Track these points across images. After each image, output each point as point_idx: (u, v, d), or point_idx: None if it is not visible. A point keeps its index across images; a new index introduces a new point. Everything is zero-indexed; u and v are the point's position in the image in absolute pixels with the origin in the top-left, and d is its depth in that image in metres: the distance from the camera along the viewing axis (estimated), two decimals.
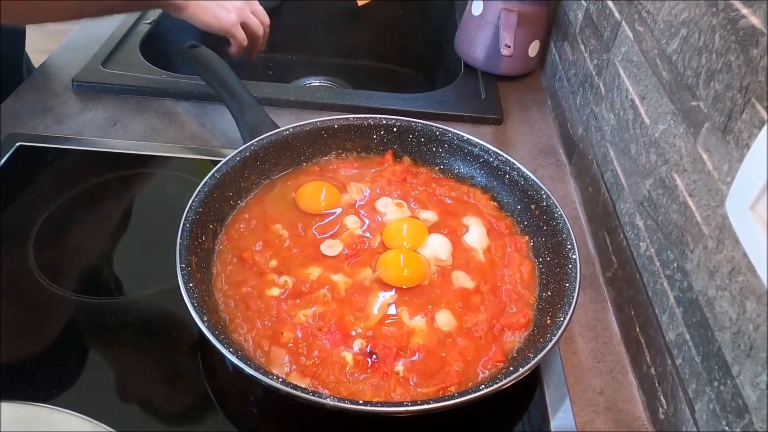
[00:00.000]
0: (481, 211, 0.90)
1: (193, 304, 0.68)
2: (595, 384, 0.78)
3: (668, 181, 0.72)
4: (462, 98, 1.19)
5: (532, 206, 0.87)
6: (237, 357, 0.64)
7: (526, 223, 0.88)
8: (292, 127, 0.94)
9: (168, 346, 0.78)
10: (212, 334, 0.66)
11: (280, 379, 0.63)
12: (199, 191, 0.82)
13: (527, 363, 0.67)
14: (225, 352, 0.64)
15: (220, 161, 0.86)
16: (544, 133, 1.16)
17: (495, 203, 0.92)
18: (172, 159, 1.04)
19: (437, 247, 0.83)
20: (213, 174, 0.84)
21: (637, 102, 0.82)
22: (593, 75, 0.99)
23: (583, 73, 1.04)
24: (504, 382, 0.65)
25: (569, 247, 0.79)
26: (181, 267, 0.72)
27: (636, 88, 0.82)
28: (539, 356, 0.67)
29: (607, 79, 0.93)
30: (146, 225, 0.95)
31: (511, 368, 0.67)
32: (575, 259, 0.77)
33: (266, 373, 0.64)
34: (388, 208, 0.89)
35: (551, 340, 0.69)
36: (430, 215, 0.89)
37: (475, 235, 0.86)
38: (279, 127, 0.94)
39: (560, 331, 0.70)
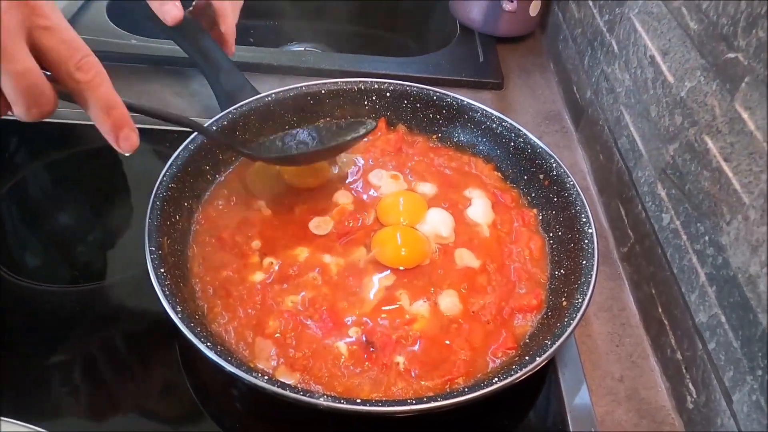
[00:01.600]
0: (485, 183, 0.82)
1: (164, 291, 0.60)
2: (614, 370, 0.71)
3: (698, 145, 0.64)
4: (459, 62, 1.10)
5: (541, 176, 0.79)
6: (215, 352, 0.56)
7: (533, 194, 0.80)
8: (274, 93, 0.85)
9: (141, 338, 0.70)
10: (187, 326, 0.58)
11: (266, 378, 0.55)
12: (171, 164, 0.73)
13: (544, 351, 0.59)
14: (202, 347, 0.56)
15: None
16: (548, 98, 1.08)
17: (499, 174, 0.84)
18: (142, 131, 0.92)
19: (438, 222, 0.75)
20: (186, 145, 0.76)
21: (658, 58, 0.73)
22: (604, 32, 0.91)
23: (592, 31, 0.95)
24: (520, 374, 0.58)
25: (584, 220, 0.71)
26: (150, 250, 0.63)
27: (657, 42, 0.74)
28: (557, 343, 0.60)
29: (620, 35, 0.85)
30: (114, 203, 0.86)
31: (527, 357, 0.60)
32: (591, 233, 0.70)
33: (249, 370, 0.56)
34: (383, 180, 0.81)
35: (569, 324, 0.62)
36: (428, 188, 0.81)
37: (479, 208, 0.78)
38: (259, 93, 0.85)
39: (579, 315, 0.62)
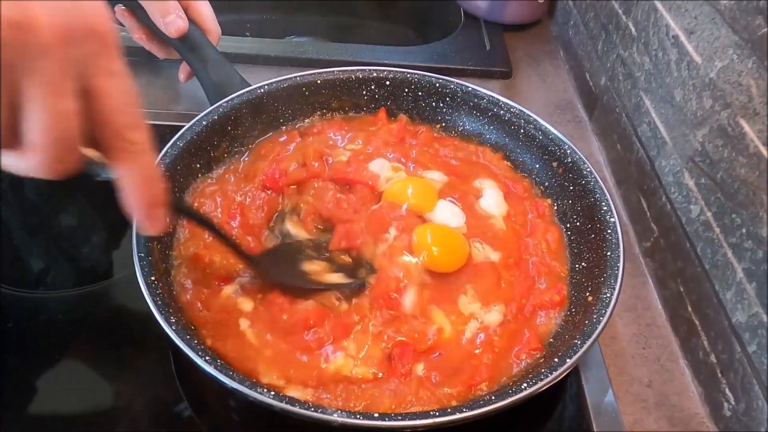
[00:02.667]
0: (494, 173, 0.77)
1: (156, 302, 0.55)
2: (641, 374, 0.66)
3: (731, 129, 0.60)
4: (464, 50, 1.05)
5: (554, 164, 0.75)
6: (216, 368, 0.51)
7: (546, 183, 0.76)
8: (267, 84, 0.79)
9: (131, 345, 0.65)
10: (183, 340, 0.52)
11: (272, 393, 0.50)
12: (158, 163, 0.67)
13: (574, 351, 0.55)
14: (200, 361, 0.51)
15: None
16: (558, 87, 1.03)
17: (509, 163, 0.79)
18: None
19: (449, 215, 0.70)
20: (174, 142, 0.70)
21: (683, 38, 0.69)
22: (620, 15, 0.86)
23: (606, 15, 0.90)
24: (551, 378, 0.53)
25: (605, 209, 0.67)
26: (139, 257, 0.58)
27: (680, 21, 0.69)
28: (588, 342, 0.56)
29: (638, 17, 0.80)
30: (100, 205, 0.80)
31: (555, 359, 0.55)
32: (614, 222, 0.66)
33: (254, 386, 0.51)
34: (384, 171, 0.74)
35: (599, 321, 0.58)
36: (437, 177, 0.75)
37: (492, 199, 0.73)
38: (250, 85, 0.79)
39: (609, 311, 0.59)
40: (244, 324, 0.59)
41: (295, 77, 0.81)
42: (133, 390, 0.62)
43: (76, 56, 0.36)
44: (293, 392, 0.54)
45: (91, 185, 0.78)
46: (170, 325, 0.53)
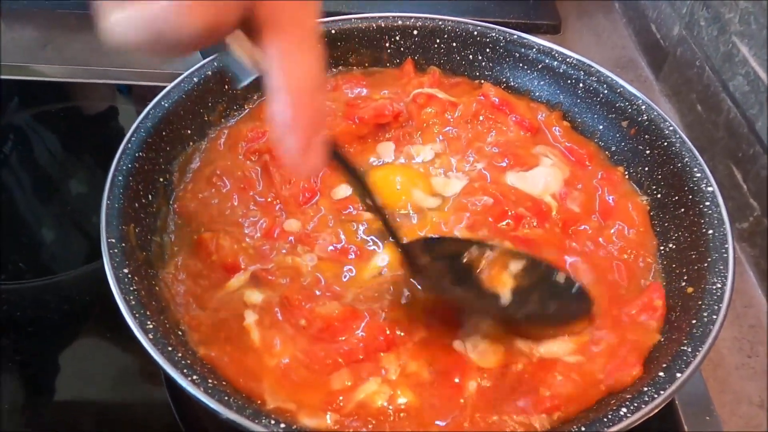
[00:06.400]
0: (548, 139, 0.64)
1: (127, 300, 0.43)
2: (750, 391, 0.54)
3: None
4: (504, 1, 0.94)
5: (624, 123, 0.63)
6: (204, 390, 0.38)
7: (614, 148, 0.64)
8: None
9: (115, 348, 0.57)
10: (162, 352, 0.40)
11: (283, 426, 0.38)
12: (138, 127, 0.56)
13: (686, 362, 0.43)
14: (185, 383, 0.39)
15: None
16: (616, 43, 0.92)
17: (567, 122, 0.67)
18: (120, 87, 0.82)
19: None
20: (159, 102, 0.59)
21: None
22: None
23: None
24: (662, 398, 0.41)
25: (698, 176, 0.55)
26: (109, 243, 0.47)
27: None
28: (704, 348, 0.43)
29: None
30: (84, 176, 0.73)
31: (661, 374, 0.43)
32: (712, 192, 0.54)
33: (257, 415, 0.38)
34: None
35: (713, 320, 0.45)
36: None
37: (544, 174, 0.60)
38: None
39: (724, 306, 0.46)
40: (249, 318, 0.47)
41: None
42: (114, 411, 0.55)
43: None
44: (308, 420, 0.41)
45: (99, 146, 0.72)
46: (145, 333, 0.40)
